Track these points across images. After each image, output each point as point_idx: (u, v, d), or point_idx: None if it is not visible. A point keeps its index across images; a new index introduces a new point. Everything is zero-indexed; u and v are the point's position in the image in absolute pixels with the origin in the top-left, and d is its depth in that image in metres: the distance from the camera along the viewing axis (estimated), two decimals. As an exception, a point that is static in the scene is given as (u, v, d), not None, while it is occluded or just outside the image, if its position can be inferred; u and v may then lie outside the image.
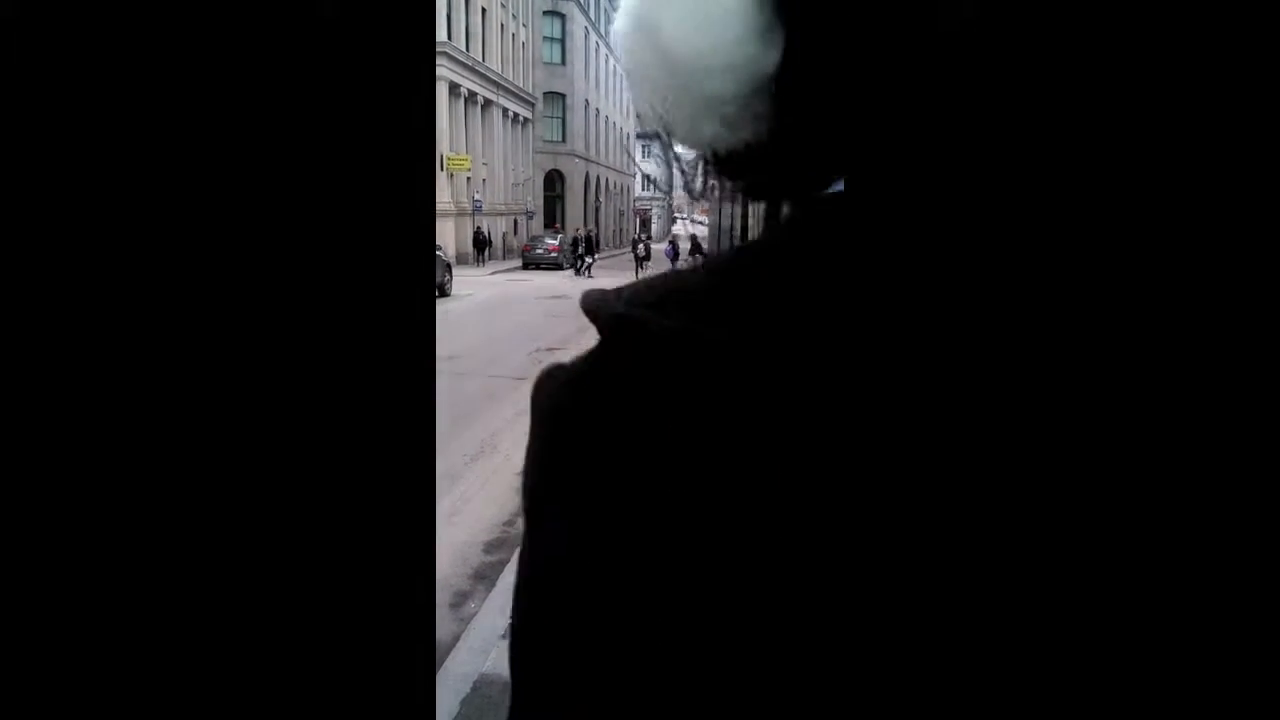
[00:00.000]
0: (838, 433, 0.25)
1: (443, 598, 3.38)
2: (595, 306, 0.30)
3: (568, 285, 21.32)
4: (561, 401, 0.31)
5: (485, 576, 3.57)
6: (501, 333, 11.92)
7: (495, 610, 3.07)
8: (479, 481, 4.91)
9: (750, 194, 0.32)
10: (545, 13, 38.44)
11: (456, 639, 2.96)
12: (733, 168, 0.30)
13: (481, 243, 27.39)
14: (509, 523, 4.25)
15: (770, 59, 0.27)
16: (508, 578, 3.36)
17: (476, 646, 2.80)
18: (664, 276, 0.31)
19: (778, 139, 0.28)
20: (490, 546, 3.94)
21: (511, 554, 3.67)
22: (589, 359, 0.31)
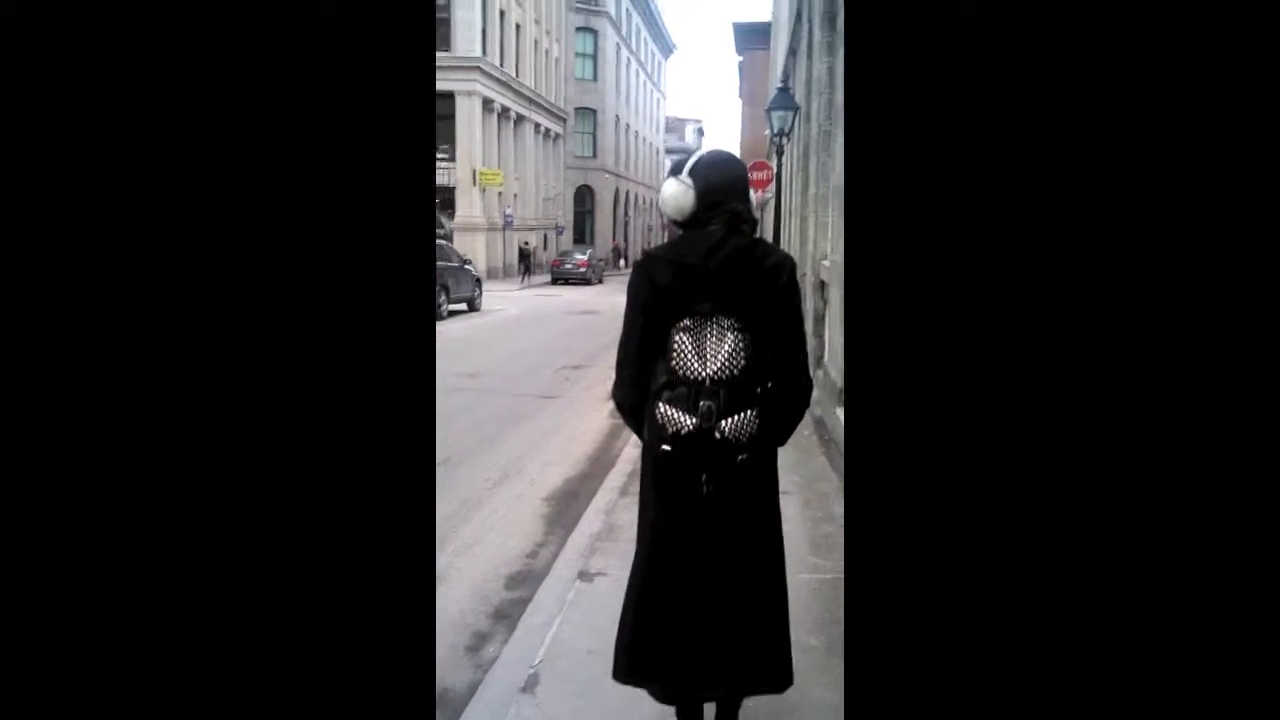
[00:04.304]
0: (667, 286, 1.83)
1: (459, 639, 3.13)
2: (646, 251, 1.89)
3: (597, 300, 21.17)
4: (636, 269, 1.90)
5: (506, 616, 3.31)
6: (529, 349, 11.72)
7: (517, 660, 2.82)
8: (501, 508, 4.67)
9: (682, 228, 1.90)
10: (578, 29, 38.54)
11: (473, 689, 2.71)
12: (677, 223, 1.91)
13: (526, 258, 27.57)
14: (532, 554, 4.00)
15: (690, 200, 1.86)
16: (532, 618, 3.10)
17: (494, 700, 2.55)
18: (662, 245, 1.96)
19: (687, 218, 1.87)
20: (513, 581, 3.69)
21: (535, 590, 3.43)
22: (639, 260, 1.93)
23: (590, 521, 4.15)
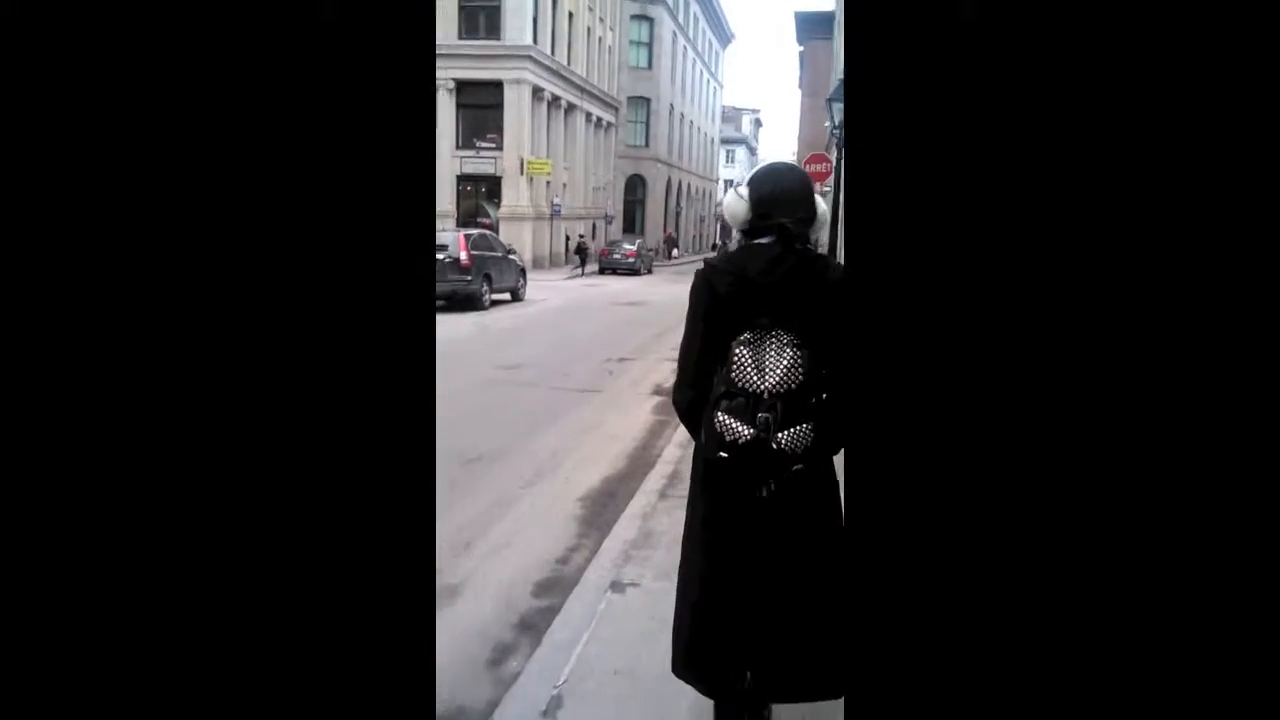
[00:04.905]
0: (725, 297, 1.87)
1: (480, 652, 2.94)
2: (707, 260, 1.95)
3: (645, 290, 20.95)
4: (698, 277, 1.93)
5: (532, 626, 3.12)
6: (572, 341, 11.54)
7: (540, 677, 2.62)
8: (534, 509, 4.48)
9: (746, 237, 1.95)
10: (633, 17, 38.25)
11: (492, 708, 2.52)
12: (737, 232, 1.98)
13: (582, 250, 27.55)
14: (564, 559, 3.81)
15: (744, 210, 1.93)
16: (559, 632, 2.90)
17: (512, 723, 2.36)
18: (723, 255, 2.04)
19: (745, 227, 1.94)
20: (541, 589, 3.50)
21: (565, 597, 3.23)
22: (701, 268, 1.95)
23: (626, 526, 3.94)
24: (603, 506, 4.55)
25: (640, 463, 5.43)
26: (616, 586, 3.25)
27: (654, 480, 4.72)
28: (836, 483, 1.99)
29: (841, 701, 1.78)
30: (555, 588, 3.47)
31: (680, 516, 3.94)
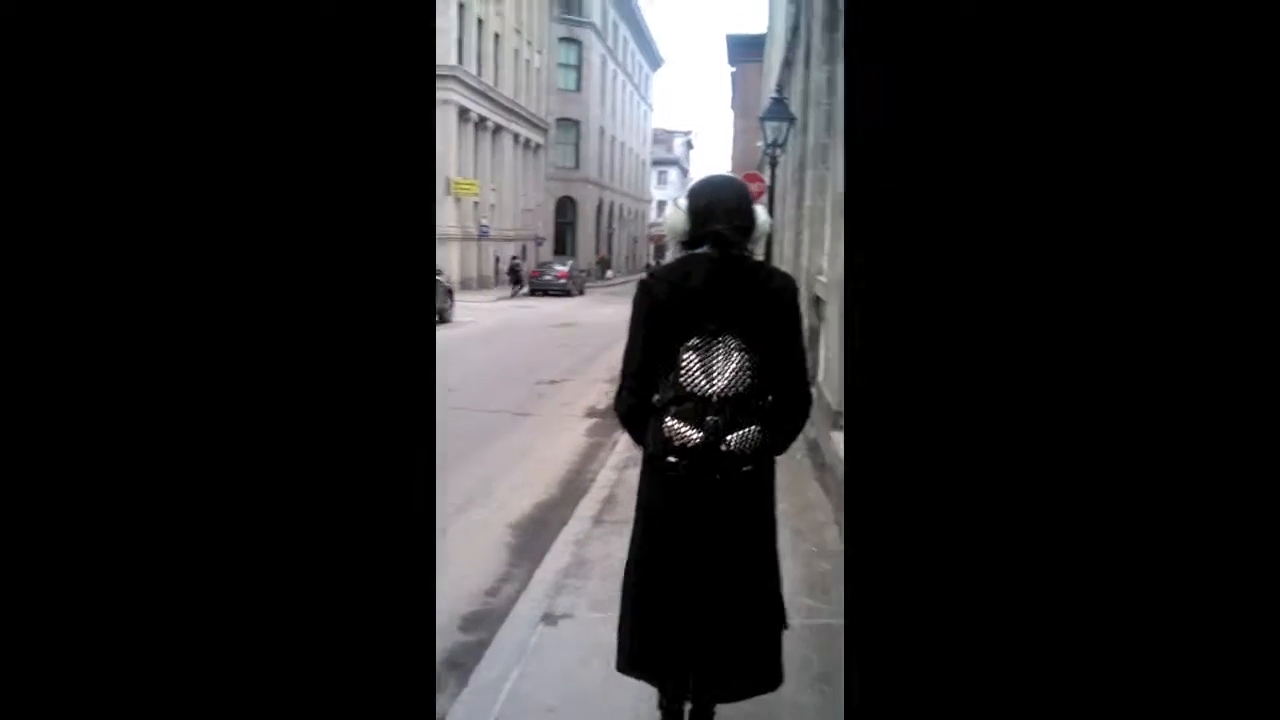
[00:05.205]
0: (667, 305, 1.91)
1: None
2: (650, 270, 3.04)
3: (577, 312, 20.79)
4: (640, 286, 1.98)
5: (459, 664, 2.92)
6: (502, 363, 11.30)
7: (467, 718, 2.43)
8: (463, 538, 4.26)
9: (685, 248, 1.97)
10: (561, 39, 38.31)
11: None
12: (678, 244, 2.00)
13: (516, 271, 27.72)
14: (493, 591, 3.62)
15: (683, 221, 1.96)
16: (487, 671, 2.71)
17: (436, 777, 2.17)
18: (665, 265, 2.08)
19: (685, 239, 1.96)
20: (469, 623, 3.30)
21: (495, 631, 3.04)
22: (643, 278, 2.04)
23: (559, 555, 3.76)
24: (535, 534, 4.36)
25: (573, 488, 5.25)
26: (549, 619, 3.08)
27: (588, 505, 4.55)
28: (774, 485, 2.06)
29: (776, 697, 1.98)
30: (484, 621, 3.28)
31: (616, 543, 3.80)
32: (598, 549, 3.79)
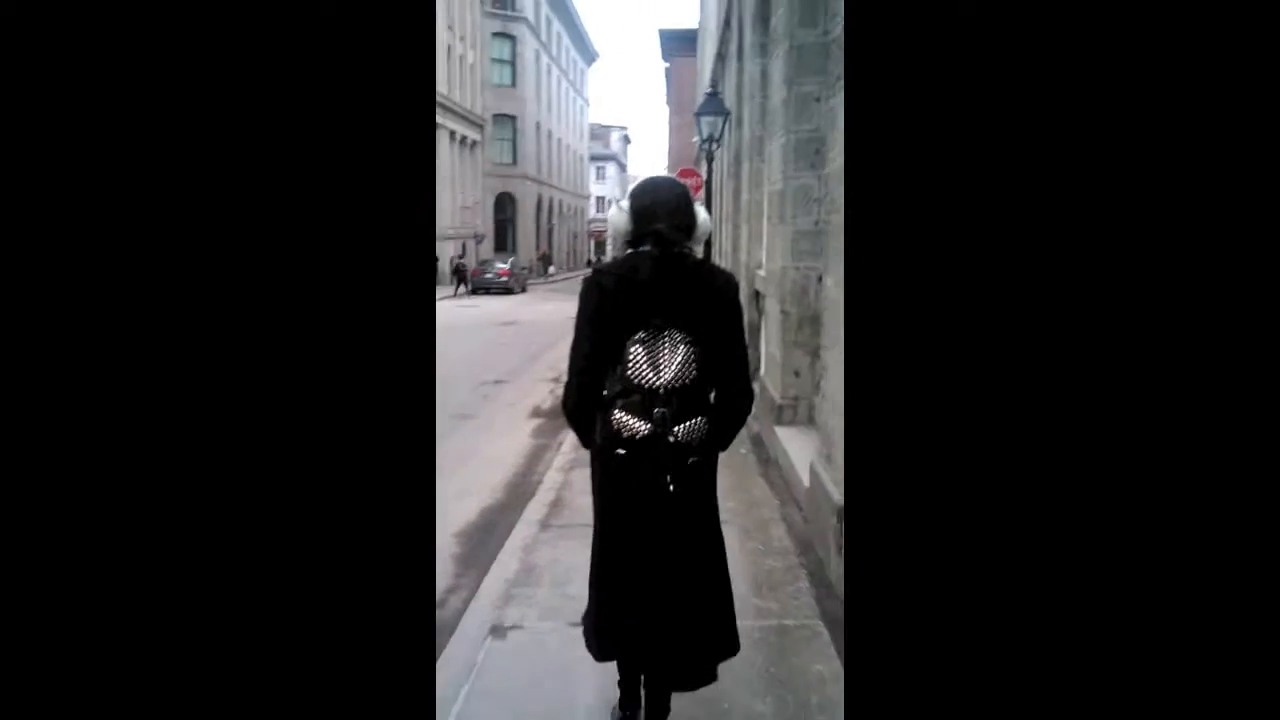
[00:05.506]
0: (616, 298, 1.94)
1: None
2: (596, 266, 2.03)
3: (519, 310, 20.59)
4: (587, 282, 1.99)
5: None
6: (443, 364, 11.10)
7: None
8: (407, 549, 4.18)
9: (629, 247, 2.02)
10: (494, 34, 37.86)
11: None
12: (622, 244, 2.04)
13: (461, 271, 27.63)
14: (440, 602, 3.52)
15: (625, 222, 2.01)
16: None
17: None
18: (610, 261, 2.07)
19: (628, 238, 2.02)
20: (415, 638, 3.22)
21: (442, 646, 2.96)
22: (590, 274, 2.02)
23: (507, 562, 3.69)
24: (482, 541, 4.29)
25: (520, 491, 5.18)
26: (497, 631, 3.01)
27: (535, 509, 4.48)
28: (715, 477, 2.12)
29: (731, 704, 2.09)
30: (431, 636, 3.19)
31: (564, 548, 3.75)
32: (545, 554, 3.73)
